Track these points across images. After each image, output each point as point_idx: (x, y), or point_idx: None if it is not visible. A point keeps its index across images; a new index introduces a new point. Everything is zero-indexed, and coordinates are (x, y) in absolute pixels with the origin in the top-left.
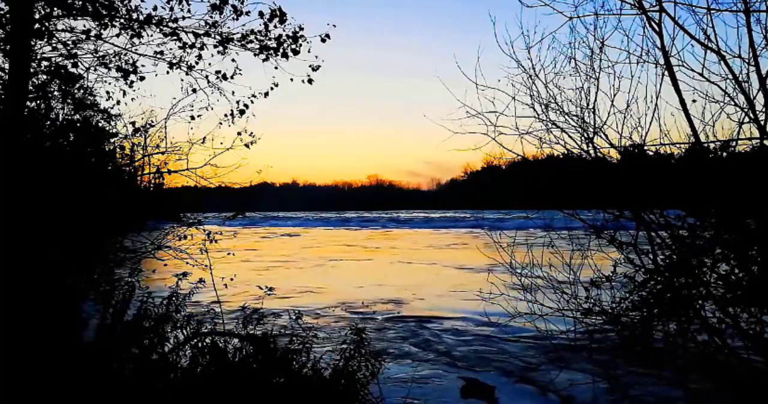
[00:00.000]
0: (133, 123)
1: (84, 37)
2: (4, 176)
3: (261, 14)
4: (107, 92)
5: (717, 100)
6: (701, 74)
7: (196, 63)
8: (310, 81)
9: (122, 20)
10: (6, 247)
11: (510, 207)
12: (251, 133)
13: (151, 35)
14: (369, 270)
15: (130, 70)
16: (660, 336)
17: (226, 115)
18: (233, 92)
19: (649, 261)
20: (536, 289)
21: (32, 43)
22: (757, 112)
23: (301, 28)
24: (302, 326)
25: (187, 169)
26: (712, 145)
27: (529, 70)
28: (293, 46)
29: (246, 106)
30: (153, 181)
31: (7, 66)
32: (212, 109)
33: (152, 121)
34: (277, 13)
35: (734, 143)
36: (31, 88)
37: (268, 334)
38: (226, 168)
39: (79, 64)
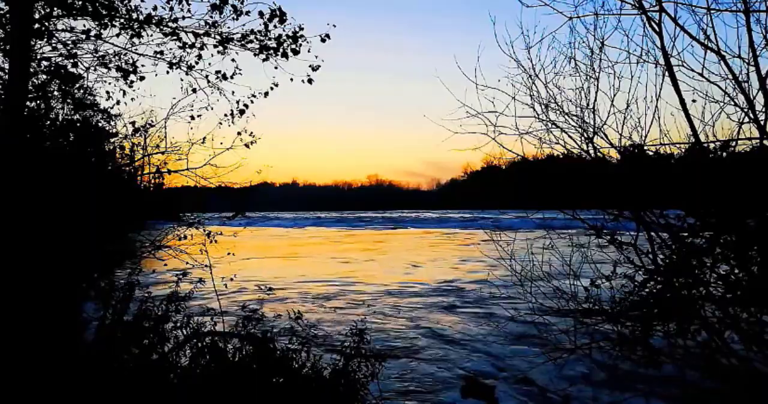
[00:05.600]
0: (133, 123)
1: (84, 37)
2: (4, 176)
3: (261, 14)
4: (107, 92)
5: (717, 100)
6: (701, 74)
7: (196, 63)
8: (310, 81)
9: (122, 20)
10: (6, 247)
11: (510, 207)
12: (251, 133)
13: (151, 35)
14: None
15: (130, 70)
16: (660, 336)
17: (226, 115)
18: (233, 92)
19: (649, 261)
20: (536, 289)
21: (32, 43)
22: (757, 112)
23: (301, 28)
24: (302, 326)
25: (187, 169)
26: (712, 145)
27: (529, 70)
28: (293, 46)
29: (246, 106)
30: (153, 181)
31: (7, 66)
32: (212, 109)
33: (152, 121)
34: (277, 13)
35: (734, 143)
36: (31, 88)
37: (268, 334)
38: (226, 168)
39: (79, 64)
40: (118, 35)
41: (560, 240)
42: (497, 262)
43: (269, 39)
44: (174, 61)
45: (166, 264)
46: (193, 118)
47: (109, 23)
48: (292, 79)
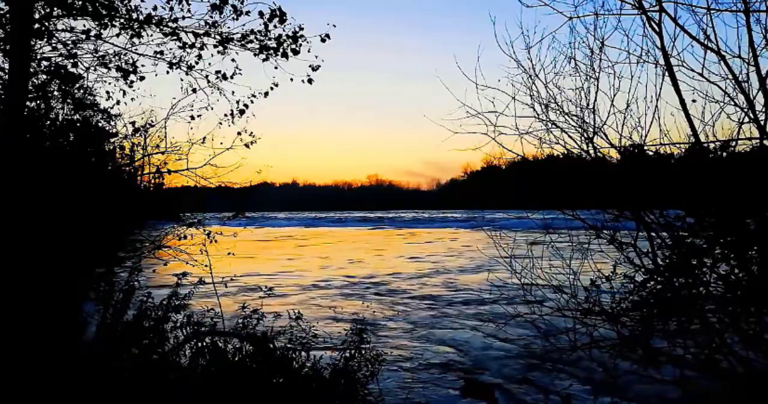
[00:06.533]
0: (133, 123)
1: (84, 37)
2: (4, 176)
3: (261, 14)
4: (107, 92)
5: (717, 100)
6: (701, 74)
7: (196, 63)
8: (310, 81)
9: (122, 20)
10: (6, 247)
11: (510, 207)
12: (251, 132)
13: (151, 35)
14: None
15: (130, 70)
16: (660, 336)
17: (226, 115)
18: (233, 92)
19: (649, 261)
20: (536, 289)
21: (32, 43)
22: (757, 112)
23: (301, 28)
24: (302, 326)
25: (187, 169)
26: (712, 145)
27: (529, 70)
28: (293, 46)
29: (246, 106)
30: (153, 181)
31: (7, 66)
32: (212, 109)
33: (152, 121)
34: (277, 13)
35: (734, 143)
36: (31, 88)
37: (268, 334)
38: (226, 168)
39: (79, 64)
40: (118, 35)
41: (560, 240)
42: (498, 262)
43: (269, 39)
44: (174, 61)
45: (166, 264)
46: (193, 118)
47: (109, 23)
48: (292, 79)
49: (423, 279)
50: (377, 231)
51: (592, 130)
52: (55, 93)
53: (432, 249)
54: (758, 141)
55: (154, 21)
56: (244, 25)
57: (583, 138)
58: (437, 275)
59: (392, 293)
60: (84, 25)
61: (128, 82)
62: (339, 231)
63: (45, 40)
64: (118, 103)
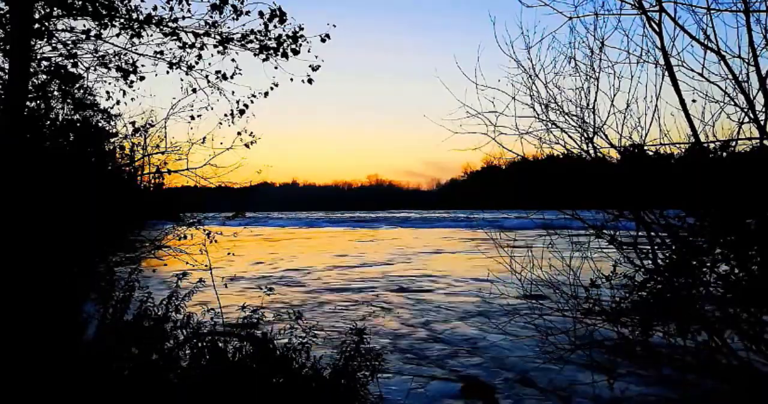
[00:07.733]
0: (133, 123)
1: (84, 37)
2: (4, 176)
3: (261, 14)
4: (107, 92)
5: (717, 100)
6: (701, 74)
7: (196, 63)
8: (310, 81)
9: (122, 20)
10: (6, 247)
11: (510, 207)
12: (251, 132)
13: (151, 35)
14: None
15: (130, 70)
16: (660, 336)
17: (226, 115)
18: (233, 92)
19: (649, 262)
20: (536, 289)
21: (32, 43)
22: (757, 112)
23: (301, 28)
24: (302, 326)
25: (187, 169)
26: (712, 145)
27: (529, 70)
28: (293, 46)
29: (246, 105)
30: (153, 181)
31: (7, 66)
32: (212, 109)
33: (152, 121)
34: (277, 13)
35: (734, 143)
36: (31, 88)
37: (268, 334)
38: (225, 168)
39: (79, 64)
40: (118, 35)
41: (560, 240)
42: (499, 263)
43: (269, 39)
44: (174, 61)
45: (166, 264)
46: (193, 118)
47: (109, 23)
48: (292, 79)
49: (328, 272)
50: (348, 230)
51: (592, 130)
52: (55, 93)
53: (368, 247)
54: (758, 141)
55: (154, 21)
56: (244, 25)
57: (583, 138)
58: (346, 269)
59: (290, 283)
60: (84, 25)
61: (128, 82)
62: (310, 231)
63: (45, 40)
64: (118, 103)
